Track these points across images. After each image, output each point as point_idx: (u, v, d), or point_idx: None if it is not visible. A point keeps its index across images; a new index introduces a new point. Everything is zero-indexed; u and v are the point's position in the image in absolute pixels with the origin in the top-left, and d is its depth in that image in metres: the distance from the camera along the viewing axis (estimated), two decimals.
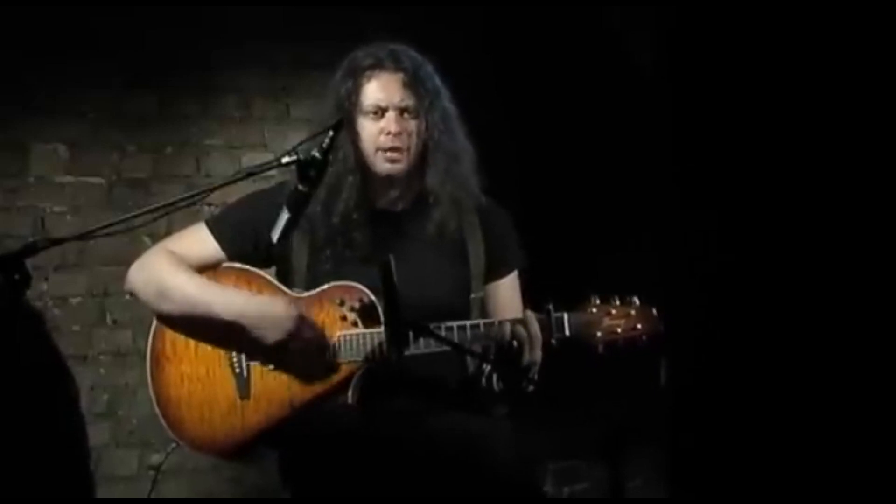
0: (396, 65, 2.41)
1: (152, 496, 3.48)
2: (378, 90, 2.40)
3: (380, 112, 2.39)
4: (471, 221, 2.49)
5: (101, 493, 3.59)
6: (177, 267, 2.41)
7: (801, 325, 3.62)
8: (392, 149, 2.39)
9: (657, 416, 4.07)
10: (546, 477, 4.12)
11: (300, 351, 2.34)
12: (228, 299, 2.36)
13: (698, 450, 4.03)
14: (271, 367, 2.38)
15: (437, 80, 2.46)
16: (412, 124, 2.40)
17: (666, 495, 4.19)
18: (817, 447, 3.59)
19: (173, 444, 2.48)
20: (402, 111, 2.39)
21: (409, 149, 2.40)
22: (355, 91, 2.41)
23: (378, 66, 2.41)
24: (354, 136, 2.40)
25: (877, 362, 3.46)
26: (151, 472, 3.52)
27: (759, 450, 3.78)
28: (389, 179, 2.43)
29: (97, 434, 3.62)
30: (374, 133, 2.39)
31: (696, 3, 3.96)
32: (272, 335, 2.33)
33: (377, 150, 2.40)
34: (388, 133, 2.38)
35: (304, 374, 2.37)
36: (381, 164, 2.40)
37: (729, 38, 3.85)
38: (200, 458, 2.64)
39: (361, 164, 2.42)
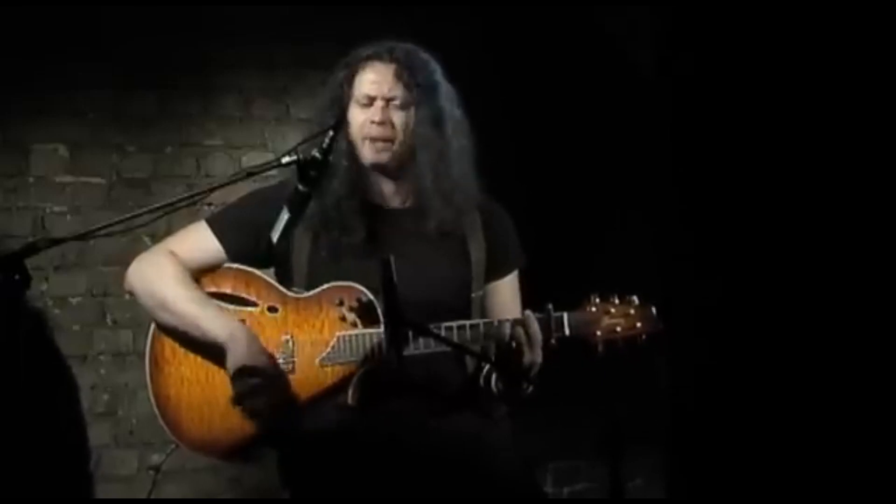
0: (390, 56, 2.41)
1: (152, 496, 3.48)
2: (369, 80, 2.40)
3: (369, 101, 2.40)
4: (472, 220, 2.48)
5: (101, 493, 3.59)
6: (177, 277, 2.40)
7: (801, 324, 3.62)
8: (377, 138, 2.39)
9: (657, 416, 4.08)
10: (546, 477, 4.13)
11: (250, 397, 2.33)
12: (224, 327, 2.35)
13: (698, 450, 4.03)
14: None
15: (437, 78, 2.45)
16: (400, 115, 2.40)
17: (666, 495, 4.19)
18: (817, 446, 3.59)
19: (173, 445, 2.48)
20: (388, 101, 2.39)
21: (395, 140, 2.40)
22: (348, 81, 2.42)
23: (374, 57, 2.42)
24: (346, 125, 2.41)
25: (877, 362, 3.46)
26: (151, 472, 3.52)
27: (758, 449, 3.78)
28: (379, 169, 2.43)
29: (97, 434, 3.62)
30: (361, 121, 2.40)
31: (695, 2, 3.97)
32: (231, 368, 2.32)
33: (364, 138, 2.40)
34: (373, 122, 2.38)
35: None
36: (368, 153, 2.41)
37: (727, 38, 3.85)
38: (200, 458, 2.64)
39: (352, 154, 2.42)
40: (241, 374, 2.30)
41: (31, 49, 3.58)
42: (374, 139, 2.39)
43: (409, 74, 2.40)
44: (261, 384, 2.29)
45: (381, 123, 2.38)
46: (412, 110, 2.41)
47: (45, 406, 3.46)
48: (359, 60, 2.42)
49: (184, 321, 2.37)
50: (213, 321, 2.36)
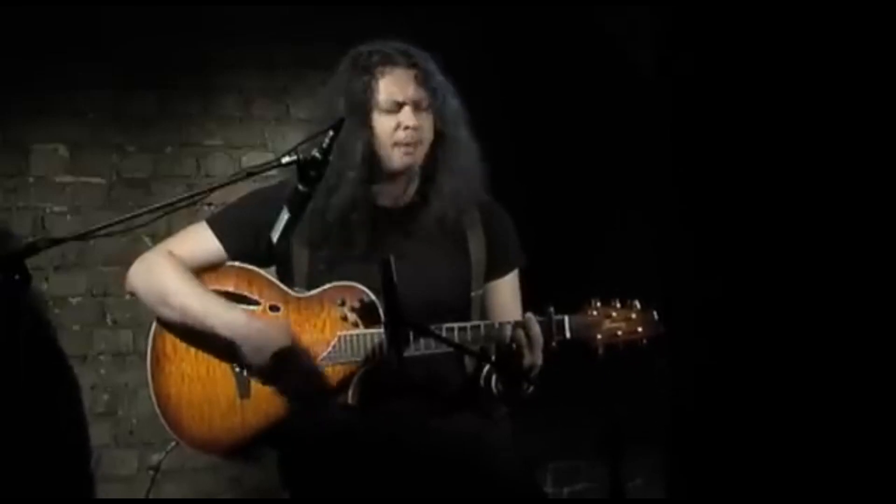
0: (408, 60, 2.41)
1: (152, 496, 3.48)
2: (393, 85, 2.39)
3: (397, 107, 2.39)
4: (472, 218, 2.49)
5: (101, 493, 3.59)
6: (178, 273, 2.40)
7: (801, 324, 3.62)
8: (409, 142, 2.39)
9: (657, 416, 4.08)
10: (546, 477, 4.13)
11: (287, 379, 2.34)
12: (228, 317, 2.36)
13: (698, 450, 4.03)
14: (262, 382, 2.38)
15: (442, 77, 2.46)
16: (425, 117, 2.41)
17: (666, 495, 4.19)
18: (816, 447, 3.59)
19: (173, 443, 2.48)
20: (416, 105, 2.39)
21: (423, 143, 2.41)
22: (368, 87, 2.40)
23: (390, 62, 2.41)
24: (366, 133, 2.39)
25: (876, 362, 3.46)
26: (151, 472, 3.52)
27: (758, 449, 3.78)
28: (397, 174, 2.43)
29: (97, 434, 3.62)
30: (390, 128, 2.39)
31: (695, 2, 3.97)
32: (260, 359, 2.33)
33: (394, 144, 2.39)
34: (406, 127, 2.38)
35: (293, 396, 2.37)
36: (398, 159, 2.40)
37: (727, 38, 3.85)
38: (200, 457, 2.64)
39: (369, 161, 2.41)
40: (260, 369, 2.32)
41: (31, 49, 3.58)
42: (404, 144, 2.39)
43: (428, 77, 2.41)
44: (285, 368, 2.31)
45: (415, 128, 2.38)
46: (433, 112, 2.42)
47: (46, 406, 3.46)
48: (374, 66, 2.41)
49: (187, 316, 2.37)
50: (217, 315, 2.35)
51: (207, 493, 3.72)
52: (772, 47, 3.71)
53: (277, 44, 3.92)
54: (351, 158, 2.36)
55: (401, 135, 2.39)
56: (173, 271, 2.41)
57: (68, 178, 3.69)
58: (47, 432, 3.44)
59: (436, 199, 2.44)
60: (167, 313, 2.40)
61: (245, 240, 2.44)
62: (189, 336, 2.40)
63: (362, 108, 2.39)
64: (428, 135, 2.42)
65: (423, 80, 2.40)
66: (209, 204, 3.32)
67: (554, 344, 2.32)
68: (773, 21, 3.70)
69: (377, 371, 2.35)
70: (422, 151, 2.42)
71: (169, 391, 2.41)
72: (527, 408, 2.42)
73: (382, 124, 2.39)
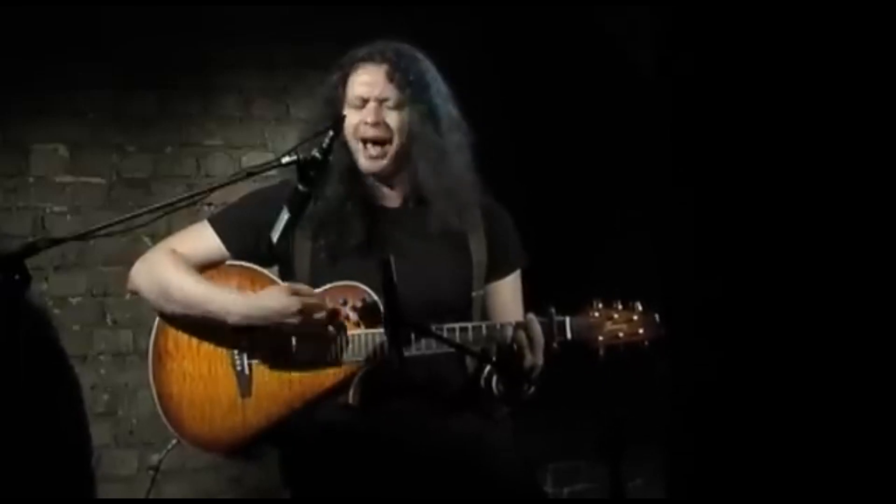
0: (382, 57, 2.41)
1: (152, 496, 3.48)
2: (362, 82, 2.40)
3: (362, 103, 2.40)
4: (473, 219, 2.48)
5: (101, 493, 3.59)
6: (179, 267, 2.40)
7: (802, 324, 3.62)
8: (373, 141, 2.38)
9: (657, 416, 4.08)
10: (546, 477, 4.13)
11: (313, 333, 2.33)
12: (231, 301, 2.35)
13: (698, 450, 4.03)
14: (270, 365, 2.37)
15: (429, 76, 2.45)
16: (393, 115, 2.39)
17: (666, 495, 4.19)
18: (816, 447, 3.59)
19: (173, 441, 2.47)
20: (381, 102, 2.39)
21: (390, 142, 2.39)
22: (342, 83, 2.42)
23: (366, 59, 2.42)
24: (344, 128, 2.40)
25: (875, 363, 3.46)
26: (151, 472, 3.52)
27: (758, 449, 3.78)
28: (375, 176, 2.43)
29: (97, 434, 3.62)
30: (354, 123, 2.39)
31: (695, 2, 3.97)
32: (285, 326, 2.32)
33: (358, 140, 2.39)
34: (367, 123, 2.38)
35: (311, 363, 2.36)
36: (363, 161, 2.41)
37: (727, 38, 3.85)
38: (201, 457, 2.64)
39: (350, 156, 2.42)
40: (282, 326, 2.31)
41: (31, 49, 3.58)
42: (368, 141, 2.39)
43: (400, 75, 2.39)
44: (304, 317, 2.30)
45: (375, 124, 2.38)
46: (406, 111, 2.40)
47: (46, 406, 3.46)
48: (351, 63, 2.43)
49: (191, 306, 2.36)
50: (222, 299, 2.35)
51: (208, 493, 3.72)
52: (772, 47, 3.71)
53: (277, 44, 3.92)
54: (336, 155, 2.35)
55: (363, 130, 2.39)
56: (173, 265, 2.41)
57: (68, 178, 3.69)
58: (47, 432, 3.44)
59: (432, 201, 2.44)
60: (170, 306, 2.39)
61: (246, 239, 2.44)
62: (193, 328, 2.40)
63: (334, 104, 2.41)
64: (398, 134, 2.40)
65: (394, 78, 2.39)
66: (209, 204, 3.33)
67: (555, 345, 2.32)
68: (772, 21, 3.70)
69: (378, 371, 2.35)
70: (391, 151, 2.40)
71: (170, 390, 2.40)
72: (528, 408, 2.42)
73: (349, 119, 2.39)
